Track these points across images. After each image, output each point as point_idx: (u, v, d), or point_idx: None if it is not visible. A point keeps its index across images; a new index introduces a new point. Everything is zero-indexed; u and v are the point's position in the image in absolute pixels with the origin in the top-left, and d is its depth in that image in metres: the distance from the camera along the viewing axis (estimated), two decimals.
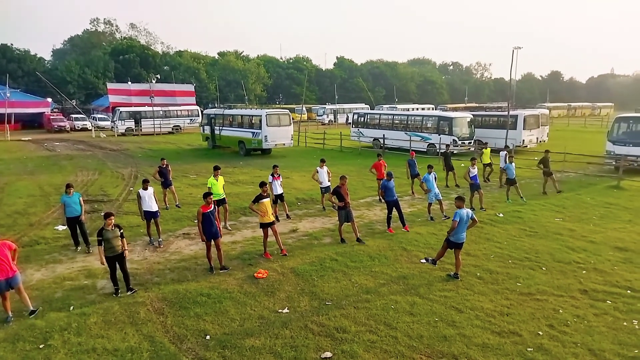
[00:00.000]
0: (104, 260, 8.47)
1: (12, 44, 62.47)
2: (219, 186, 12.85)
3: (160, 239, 11.68)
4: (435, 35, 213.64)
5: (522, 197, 16.00)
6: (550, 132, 32.62)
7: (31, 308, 7.84)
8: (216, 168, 13.29)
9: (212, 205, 9.71)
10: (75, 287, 8.95)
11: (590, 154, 23.35)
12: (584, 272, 9.67)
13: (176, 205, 15.01)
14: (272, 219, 10.63)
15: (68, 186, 11.16)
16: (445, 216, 13.62)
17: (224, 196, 13.11)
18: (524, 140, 28.45)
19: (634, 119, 22.91)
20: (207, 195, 9.69)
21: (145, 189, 11.46)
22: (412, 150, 21.07)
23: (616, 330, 7.31)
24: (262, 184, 10.73)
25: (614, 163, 21.33)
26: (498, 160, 19.48)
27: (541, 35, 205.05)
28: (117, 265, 8.63)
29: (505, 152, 18.62)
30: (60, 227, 12.47)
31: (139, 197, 11.42)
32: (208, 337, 7.13)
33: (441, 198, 13.99)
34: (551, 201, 15.84)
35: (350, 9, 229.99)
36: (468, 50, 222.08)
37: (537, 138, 29.57)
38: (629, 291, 8.72)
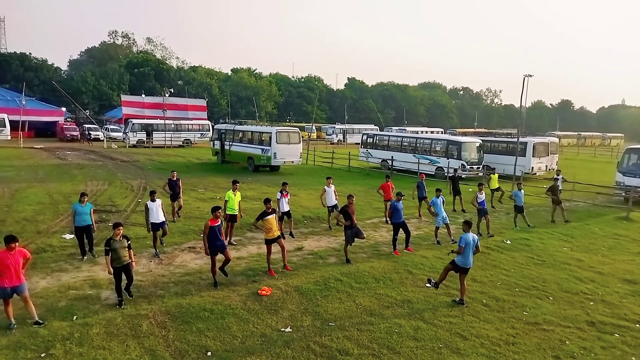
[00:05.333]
0: (111, 269, 8.49)
1: (30, 53, 63.72)
2: (235, 201, 12.71)
3: (163, 243, 11.74)
4: (446, 59, 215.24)
5: (529, 225, 15.93)
6: (560, 160, 32.51)
7: (36, 318, 7.77)
8: (235, 182, 13.10)
9: (220, 220, 9.73)
10: (79, 297, 8.96)
11: (600, 184, 23.20)
12: (592, 303, 9.54)
13: (178, 218, 14.92)
14: (278, 234, 10.62)
15: (82, 195, 11.25)
16: (452, 240, 13.57)
17: (237, 213, 12.83)
18: (532, 167, 28.38)
19: None
20: (215, 209, 9.72)
21: (152, 200, 11.54)
22: (422, 172, 21.06)
23: None
24: (267, 201, 10.73)
25: (623, 194, 21.17)
26: (506, 186, 19.43)
27: (552, 64, 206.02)
28: (123, 276, 8.64)
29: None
30: (68, 236, 12.54)
31: (146, 209, 11.49)
32: (209, 353, 7.09)
33: (449, 222, 13.94)
34: (559, 230, 15.70)
35: (362, 31, 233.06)
36: (479, 76, 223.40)
37: (547, 166, 29.49)
38: (637, 325, 8.58)
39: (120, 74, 66.99)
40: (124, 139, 45.44)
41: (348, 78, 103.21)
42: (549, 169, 29.33)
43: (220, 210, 9.81)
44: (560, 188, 18.17)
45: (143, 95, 54.85)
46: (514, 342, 7.74)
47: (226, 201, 12.66)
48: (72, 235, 11.62)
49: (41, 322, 7.75)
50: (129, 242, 8.78)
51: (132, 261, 8.75)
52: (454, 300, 9.34)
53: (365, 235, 11.93)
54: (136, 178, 23.62)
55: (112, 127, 52.89)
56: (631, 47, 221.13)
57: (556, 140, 33.75)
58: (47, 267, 10.51)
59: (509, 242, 13.82)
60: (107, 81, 64.44)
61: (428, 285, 10.00)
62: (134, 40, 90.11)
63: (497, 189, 19.87)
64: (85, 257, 11.07)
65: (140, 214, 15.10)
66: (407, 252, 12.38)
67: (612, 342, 7.88)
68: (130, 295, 8.94)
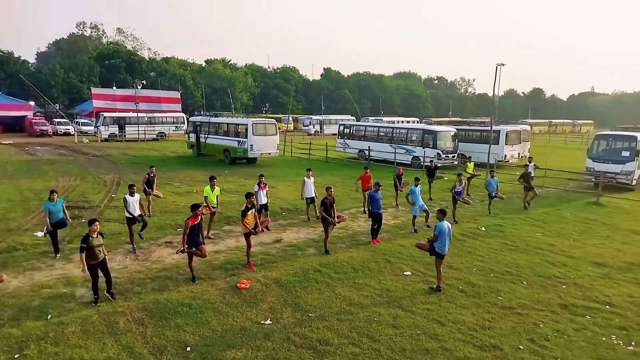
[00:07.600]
0: (86, 268, 8.27)
1: None
2: (213, 196, 12.82)
3: (141, 233, 11.76)
4: (420, 50, 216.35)
5: (490, 213, 16.19)
6: (532, 148, 33.20)
7: None
8: (212, 178, 13.18)
9: (200, 218, 9.56)
10: (53, 295, 8.75)
11: (571, 170, 23.81)
12: (564, 286, 9.82)
13: (147, 215, 14.48)
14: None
15: (52, 192, 10.97)
16: (427, 226, 13.82)
17: (216, 207, 12.95)
18: (505, 155, 28.95)
19: (613, 136, 23.53)
20: (195, 207, 9.51)
21: (132, 194, 11.33)
22: (399, 166, 21.18)
23: (595, 345, 7.43)
24: (249, 195, 10.61)
25: (593, 180, 21.79)
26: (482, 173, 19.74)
27: (524, 53, 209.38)
28: (100, 272, 8.45)
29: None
30: (39, 234, 12.19)
31: (125, 202, 11.28)
32: (189, 348, 7.04)
33: (427, 208, 14.07)
34: (532, 216, 16.08)
35: (338, 21, 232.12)
36: (452, 66, 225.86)
37: (519, 153, 30.10)
38: (607, 306, 8.88)
39: (90, 66, 65.24)
40: (95, 133, 44.37)
41: (324, 68, 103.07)
42: (522, 156, 29.94)
43: (200, 209, 9.61)
44: (532, 175, 18.58)
45: (114, 88, 53.62)
46: (490, 327, 7.93)
47: (205, 197, 12.68)
48: (44, 233, 11.24)
49: None
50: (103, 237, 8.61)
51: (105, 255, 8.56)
52: (431, 287, 9.48)
53: (336, 222, 11.75)
54: (109, 173, 23.14)
55: (82, 120, 51.57)
56: (593, 42, 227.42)
57: (528, 127, 34.42)
58: (19, 265, 10.22)
59: (483, 228, 14.09)
60: (76, 74, 62.70)
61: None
62: (103, 31, 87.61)
63: (472, 176, 20.20)
64: (58, 255, 10.81)
65: (114, 209, 14.84)
66: (372, 244, 12.36)
67: (584, 324, 8.15)
68: (113, 297, 8.58)
